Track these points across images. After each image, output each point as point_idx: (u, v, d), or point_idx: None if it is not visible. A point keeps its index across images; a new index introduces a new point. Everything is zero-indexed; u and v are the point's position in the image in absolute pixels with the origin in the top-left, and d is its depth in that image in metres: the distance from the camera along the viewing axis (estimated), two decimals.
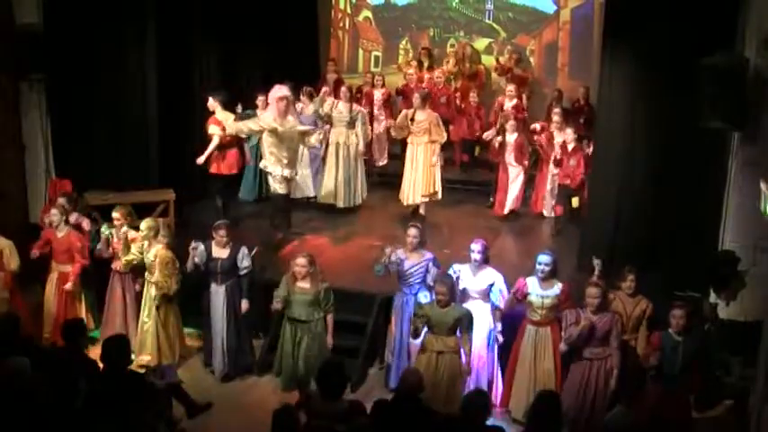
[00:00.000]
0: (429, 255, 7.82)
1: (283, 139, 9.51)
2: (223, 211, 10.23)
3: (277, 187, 9.71)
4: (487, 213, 11.28)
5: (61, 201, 8.70)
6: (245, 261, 8.06)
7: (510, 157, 10.85)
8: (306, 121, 10.56)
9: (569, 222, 10.39)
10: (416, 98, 10.65)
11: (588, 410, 6.97)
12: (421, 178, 10.65)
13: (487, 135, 11.25)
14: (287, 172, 9.65)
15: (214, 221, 8.29)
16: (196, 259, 7.97)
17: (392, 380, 7.83)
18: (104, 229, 8.44)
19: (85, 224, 8.82)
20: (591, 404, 6.98)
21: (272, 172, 9.64)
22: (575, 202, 10.24)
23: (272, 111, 9.53)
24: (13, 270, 8.29)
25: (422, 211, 10.85)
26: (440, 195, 10.93)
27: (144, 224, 8.10)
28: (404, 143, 10.92)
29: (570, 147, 10.20)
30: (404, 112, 10.91)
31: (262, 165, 9.93)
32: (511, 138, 10.80)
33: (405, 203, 10.85)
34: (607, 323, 6.98)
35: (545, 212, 11.02)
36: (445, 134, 10.84)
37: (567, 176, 10.19)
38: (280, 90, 9.56)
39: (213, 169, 10.32)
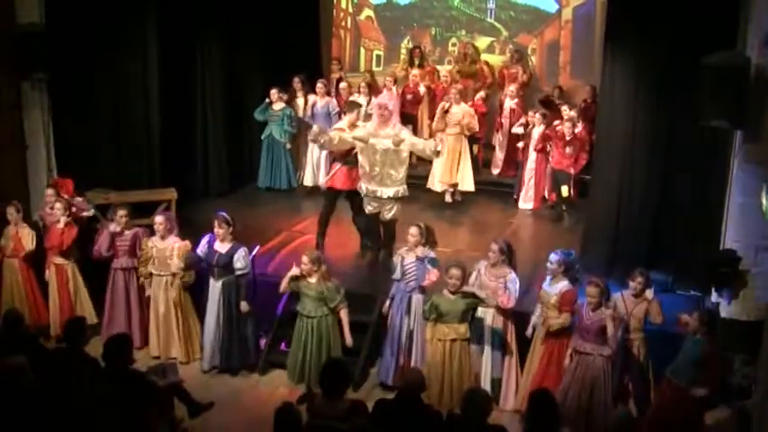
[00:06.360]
0: (430, 254, 7.80)
1: (375, 151, 8.70)
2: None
3: (368, 207, 8.96)
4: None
5: (49, 192, 8.86)
6: (239, 262, 7.97)
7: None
8: (319, 114, 11.32)
9: (570, 216, 10.70)
10: (453, 93, 11.15)
11: (586, 407, 6.97)
12: (442, 167, 11.09)
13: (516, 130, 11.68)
14: (371, 189, 8.81)
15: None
16: (198, 251, 8.04)
17: (383, 375, 7.90)
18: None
19: (82, 205, 9.04)
20: (588, 401, 6.96)
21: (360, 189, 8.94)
22: (564, 191, 10.68)
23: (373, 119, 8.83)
24: (30, 250, 8.63)
25: (447, 198, 11.35)
26: (464, 187, 11.29)
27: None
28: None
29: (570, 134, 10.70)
30: (441, 104, 11.24)
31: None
32: (536, 131, 11.17)
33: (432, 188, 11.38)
34: (600, 321, 6.94)
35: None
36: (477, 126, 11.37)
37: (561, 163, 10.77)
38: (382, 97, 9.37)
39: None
